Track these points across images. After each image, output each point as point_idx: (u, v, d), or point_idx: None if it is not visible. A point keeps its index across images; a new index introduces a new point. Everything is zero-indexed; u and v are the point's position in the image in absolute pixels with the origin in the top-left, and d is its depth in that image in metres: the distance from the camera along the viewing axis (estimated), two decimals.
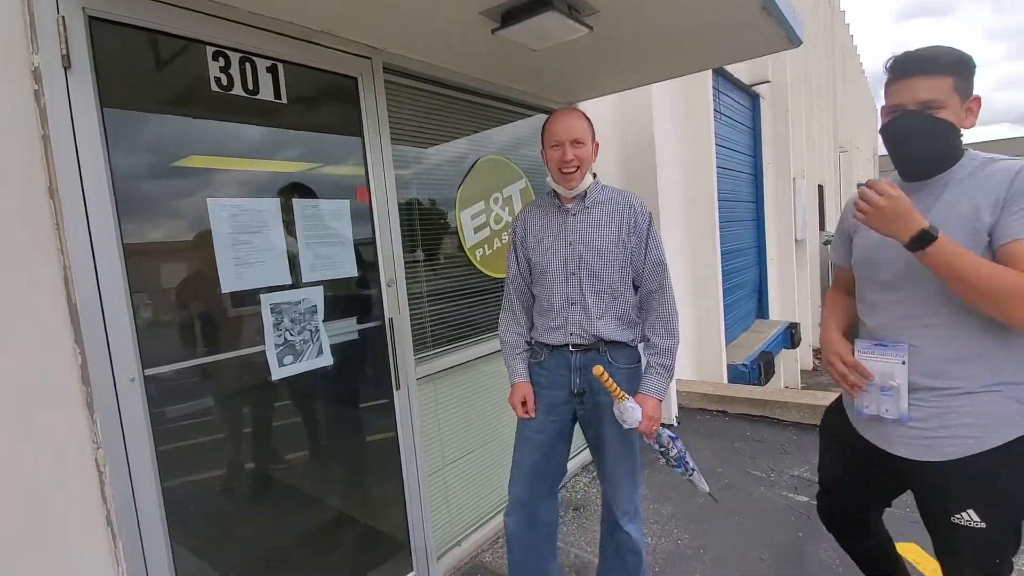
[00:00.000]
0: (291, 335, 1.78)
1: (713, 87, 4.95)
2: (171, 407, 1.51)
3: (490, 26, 1.81)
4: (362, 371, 2.06)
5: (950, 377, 1.21)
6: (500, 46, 2.04)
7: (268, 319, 1.72)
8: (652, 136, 3.71)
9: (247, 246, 1.66)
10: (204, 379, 1.61)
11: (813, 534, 2.41)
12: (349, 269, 1.97)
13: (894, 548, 1.63)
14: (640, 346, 1.77)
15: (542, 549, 1.83)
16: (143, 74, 1.51)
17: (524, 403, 1.76)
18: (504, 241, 2.73)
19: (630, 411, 1.57)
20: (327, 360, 1.87)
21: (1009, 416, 1.17)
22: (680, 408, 3.95)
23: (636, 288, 1.75)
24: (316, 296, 1.85)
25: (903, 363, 1.24)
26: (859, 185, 1.21)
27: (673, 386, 3.87)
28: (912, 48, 1.22)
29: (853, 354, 1.33)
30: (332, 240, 1.91)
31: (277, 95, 1.76)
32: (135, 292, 1.41)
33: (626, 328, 1.72)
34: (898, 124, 1.22)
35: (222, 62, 1.63)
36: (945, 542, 1.27)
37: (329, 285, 1.88)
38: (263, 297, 1.70)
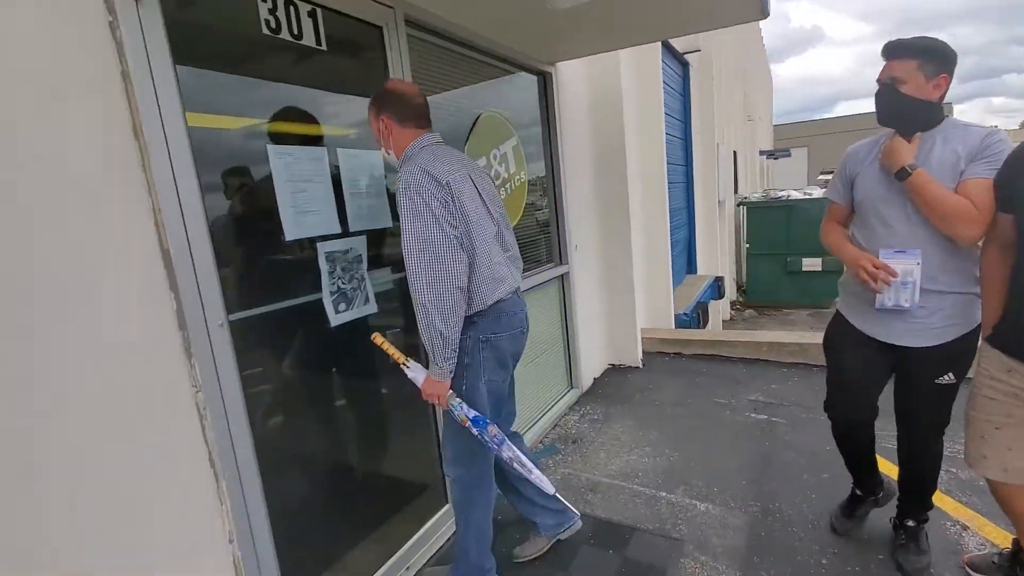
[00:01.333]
0: (343, 283, 1.82)
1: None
2: (250, 353, 1.52)
3: None
4: (402, 318, 2.13)
5: (940, 283, 1.63)
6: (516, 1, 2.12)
7: (324, 267, 1.75)
8: (620, 106, 3.92)
9: (303, 195, 1.67)
10: (276, 326, 1.63)
11: (777, 444, 2.84)
12: (386, 220, 2.01)
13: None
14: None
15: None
16: (201, 12, 1.45)
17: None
18: (505, 195, 2.84)
19: (413, 374, 1.67)
20: (373, 308, 1.93)
21: (972, 312, 1.66)
22: (644, 352, 4.32)
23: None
24: (361, 245, 1.88)
25: (918, 264, 1.62)
26: (882, 138, 1.72)
27: (637, 333, 4.22)
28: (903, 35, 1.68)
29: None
30: (371, 191, 1.94)
31: (318, 41, 1.74)
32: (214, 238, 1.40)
33: None
34: (877, 96, 1.66)
35: (270, 3, 1.59)
36: (928, 397, 1.74)
37: (369, 236, 1.92)
38: (319, 246, 1.73)
